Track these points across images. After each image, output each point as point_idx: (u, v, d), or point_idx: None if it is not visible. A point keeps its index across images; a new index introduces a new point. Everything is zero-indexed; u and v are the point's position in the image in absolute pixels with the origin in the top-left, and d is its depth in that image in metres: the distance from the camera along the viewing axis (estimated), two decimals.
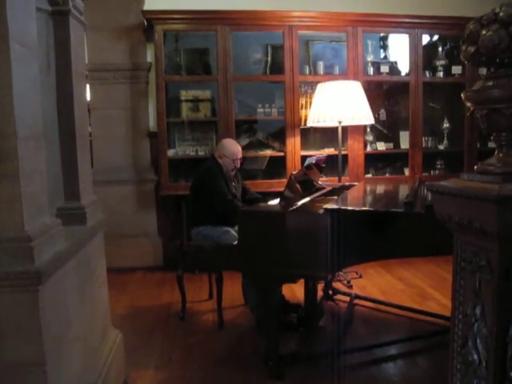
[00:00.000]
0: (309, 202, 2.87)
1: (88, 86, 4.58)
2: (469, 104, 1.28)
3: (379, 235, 2.34)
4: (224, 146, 3.39)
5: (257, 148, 4.53)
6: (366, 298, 3.52)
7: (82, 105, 2.10)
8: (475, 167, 1.32)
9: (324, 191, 3.26)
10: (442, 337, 2.86)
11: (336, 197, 2.99)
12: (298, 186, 3.09)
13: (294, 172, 2.87)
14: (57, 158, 1.93)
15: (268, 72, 4.50)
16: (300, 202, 2.68)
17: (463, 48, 1.25)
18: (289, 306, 3.22)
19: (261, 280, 2.37)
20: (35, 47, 1.54)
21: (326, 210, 2.23)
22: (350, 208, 2.28)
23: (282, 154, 4.45)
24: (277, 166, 4.53)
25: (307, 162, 3.00)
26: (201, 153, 4.40)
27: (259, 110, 4.43)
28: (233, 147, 3.37)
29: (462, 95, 1.31)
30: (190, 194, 3.37)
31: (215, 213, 3.15)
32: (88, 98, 4.62)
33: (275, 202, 2.89)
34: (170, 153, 4.41)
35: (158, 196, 4.55)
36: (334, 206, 2.26)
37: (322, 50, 4.66)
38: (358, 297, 3.55)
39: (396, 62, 4.67)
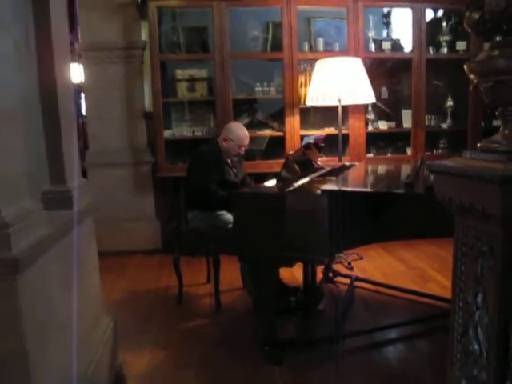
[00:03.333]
0: (307, 182, 2.78)
1: (82, 66, 4.49)
2: (472, 76, 1.18)
3: (379, 217, 2.26)
4: (232, 129, 3.26)
5: (255, 128, 4.41)
6: (366, 281, 3.46)
7: (66, 83, 2.00)
8: (478, 145, 1.23)
9: (323, 171, 3.17)
10: (443, 320, 2.80)
11: (335, 178, 2.90)
12: (296, 166, 3.00)
13: (291, 152, 2.79)
14: (40, 139, 1.84)
15: (268, 49, 4.36)
16: (297, 183, 2.59)
17: (467, 14, 1.15)
18: (287, 289, 3.16)
19: (257, 263, 2.30)
20: (8, 22, 1.44)
21: (323, 191, 2.15)
22: (347, 189, 2.19)
23: (281, 133, 4.35)
24: (276, 147, 4.43)
25: (305, 141, 2.91)
26: (198, 133, 4.30)
27: (257, 89, 4.31)
28: (241, 132, 3.25)
29: (465, 67, 1.21)
30: (186, 176, 3.29)
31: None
32: (82, 78, 4.54)
33: (272, 183, 2.80)
34: (167, 134, 4.31)
35: (155, 178, 4.47)
36: (332, 187, 2.17)
37: (323, 27, 4.50)
38: (358, 279, 3.49)
39: (398, 39, 4.52)
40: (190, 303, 3.35)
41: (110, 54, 4.36)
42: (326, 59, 3.70)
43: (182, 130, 4.33)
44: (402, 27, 4.51)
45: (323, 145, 3.22)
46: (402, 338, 2.73)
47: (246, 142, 3.26)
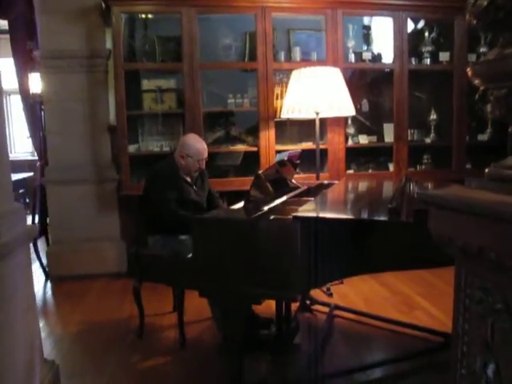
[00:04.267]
0: (280, 204, 2.50)
1: (40, 75, 4.16)
2: (478, 81, 0.90)
3: (361, 246, 1.98)
4: (187, 144, 2.95)
5: (228, 143, 4.14)
6: (346, 309, 3.17)
7: None
8: (486, 170, 0.95)
9: (299, 191, 2.89)
10: (431, 356, 2.53)
11: (312, 198, 2.63)
12: (268, 185, 2.72)
13: (261, 171, 2.50)
14: None
15: (242, 59, 4.10)
16: (269, 206, 2.30)
17: (471, 1, 0.88)
18: (259, 320, 2.84)
19: (218, 300, 1.99)
20: None
21: (295, 217, 1.86)
22: (323, 215, 1.90)
23: (255, 149, 4.07)
24: (250, 162, 4.14)
25: (278, 158, 2.63)
26: (166, 148, 4.00)
27: (230, 101, 4.04)
28: (197, 145, 2.95)
29: (468, 70, 0.93)
30: (142, 197, 2.97)
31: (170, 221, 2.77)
32: (41, 88, 4.20)
33: (239, 205, 2.50)
34: (132, 149, 3.99)
35: (120, 196, 4.14)
36: (306, 213, 1.89)
37: (302, 38, 4.26)
38: (337, 307, 3.20)
39: (379, 49, 4.30)
40: (152, 336, 3.00)
41: (71, 62, 4.04)
42: (303, 69, 3.44)
43: (148, 145, 4.03)
44: (383, 37, 4.30)
45: (298, 162, 2.95)
46: (387, 378, 2.44)
47: (205, 154, 2.98)
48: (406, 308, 3.27)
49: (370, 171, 4.32)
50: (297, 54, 4.06)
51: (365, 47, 4.25)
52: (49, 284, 4.23)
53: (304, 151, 3.99)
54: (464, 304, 0.99)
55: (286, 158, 2.71)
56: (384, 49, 4.26)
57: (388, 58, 4.22)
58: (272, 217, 2.20)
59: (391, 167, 4.27)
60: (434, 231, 0.98)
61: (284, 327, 2.77)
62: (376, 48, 4.30)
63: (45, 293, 4.07)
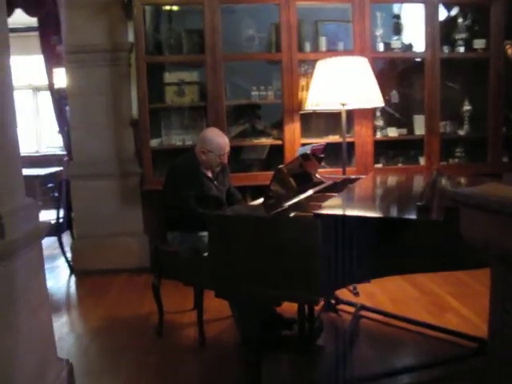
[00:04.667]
0: (304, 200, 2.39)
1: (65, 70, 4.16)
2: None
3: (389, 245, 1.84)
4: (207, 138, 2.85)
5: (252, 136, 4.03)
6: (373, 310, 3.03)
7: None
8: None
9: (323, 186, 2.77)
10: (463, 363, 2.38)
11: (337, 194, 2.50)
12: (291, 180, 2.61)
13: (283, 165, 2.39)
14: None
15: (266, 50, 3.98)
16: (290, 202, 2.19)
17: None
18: (281, 320, 2.75)
19: (236, 302, 1.90)
20: None
21: (316, 215, 1.74)
22: (345, 213, 1.78)
23: (280, 142, 3.95)
24: (275, 156, 4.03)
25: (300, 152, 2.51)
26: (188, 142, 3.92)
27: (254, 93, 3.93)
28: (218, 140, 2.84)
29: (507, 49, 0.79)
30: (161, 193, 2.91)
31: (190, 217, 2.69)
32: (66, 83, 4.20)
33: (260, 201, 2.40)
34: (154, 143, 3.94)
35: (143, 191, 4.10)
36: (326, 211, 1.77)
37: (327, 28, 4.10)
38: (364, 307, 3.06)
39: (409, 37, 4.10)
40: (171, 335, 2.95)
41: (94, 56, 4.01)
42: (328, 59, 3.30)
43: (171, 139, 3.97)
44: (414, 25, 4.10)
45: (323, 155, 2.82)
46: None
47: (227, 148, 2.87)
48: (437, 309, 3.10)
49: (399, 165, 4.15)
50: (323, 44, 3.92)
51: (394, 36, 4.05)
52: (73, 278, 4.25)
53: (330, 144, 3.87)
54: (501, 318, 0.86)
55: (309, 152, 2.59)
56: (415, 37, 4.06)
57: (419, 46, 4.02)
58: (292, 214, 2.10)
59: (422, 161, 4.08)
60: (466, 235, 0.85)
61: (307, 327, 2.66)
62: (406, 36, 4.10)
63: (68, 287, 4.09)
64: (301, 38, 3.86)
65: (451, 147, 4.13)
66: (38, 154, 8.72)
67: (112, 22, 4.03)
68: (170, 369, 2.54)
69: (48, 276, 4.33)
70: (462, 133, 4.10)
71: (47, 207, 4.90)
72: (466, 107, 4.06)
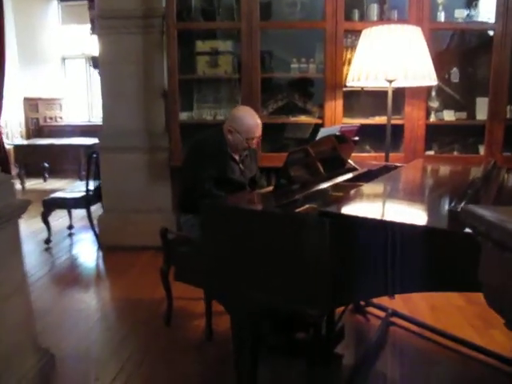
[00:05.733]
0: (328, 189, 2.06)
1: (97, 36, 3.98)
2: None
3: (414, 255, 1.48)
4: (237, 118, 2.53)
5: (290, 113, 3.69)
6: (406, 318, 2.66)
7: None
8: None
9: (356, 173, 2.41)
10: None
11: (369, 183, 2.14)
12: (318, 164, 2.28)
13: (310, 144, 2.04)
14: None
15: (306, 18, 3.59)
16: (305, 192, 1.86)
17: None
18: (297, 321, 2.44)
19: (226, 306, 1.62)
20: None
21: (322, 212, 1.41)
22: (355, 214, 1.42)
23: (320, 121, 3.59)
24: (315, 136, 3.67)
25: (323, 132, 2.15)
26: (220, 117, 3.65)
27: (293, 66, 3.57)
28: (249, 121, 2.51)
29: None
30: (181, 170, 2.66)
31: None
32: (98, 50, 4.02)
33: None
34: (184, 116, 3.71)
35: (172, 167, 3.89)
36: (334, 210, 1.43)
37: None
38: (396, 314, 2.70)
39: (477, 6, 3.55)
40: (179, 325, 2.74)
41: (126, 22, 3.80)
42: (375, 27, 2.87)
43: (202, 113, 3.70)
44: None
45: (357, 138, 2.44)
46: None
47: (258, 133, 2.53)
48: (482, 323, 2.68)
49: (454, 153, 3.66)
50: (373, 12, 3.46)
51: (459, 3, 3.51)
52: (100, 253, 4.16)
53: (376, 127, 3.47)
54: None
55: (338, 133, 2.23)
56: (483, 6, 3.50)
57: (488, 16, 3.47)
58: (305, 206, 1.77)
59: (482, 150, 3.57)
60: (489, 285, 0.51)
61: (325, 332, 2.34)
62: (473, 5, 3.55)
63: (92, 262, 4.00)
64: (348, 4, 3.42)
65: None
66: (89, 124, 8.82)
67: None
68: (170, 364, 2.33)
69: (77, 249, 4.34)
70: None
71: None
72: None
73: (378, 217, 1.40)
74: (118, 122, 3.94)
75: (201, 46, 3.56)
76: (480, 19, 3.46)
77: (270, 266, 1.48)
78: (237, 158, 2.62)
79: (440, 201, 1.66)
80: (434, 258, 1.31)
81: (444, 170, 2.62)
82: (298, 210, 1.67)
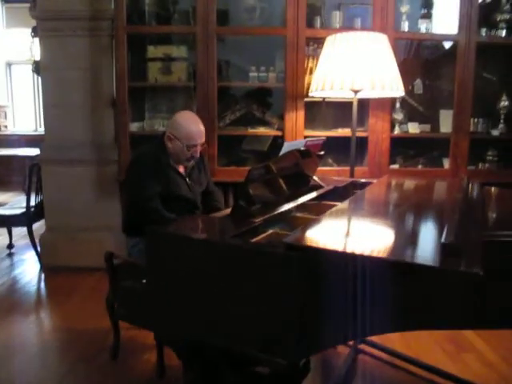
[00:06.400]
0: (292, 209, 1.85)
1: (38, 39, 3.64)
2: None
3: (398, 292, 1.28)
4: (177, 124, 2.27)
5: (247, 124, 3.48)
6: (374, 345, 2.47)
7: None
8: None
9: (322, 191, 2.22)
10: None
11: (337, 203, 1.95)
12: (281, 181, 2.08)
13: (272, 160, 1.83)
14: None
15: (265, 24, 3.41)
16: (267, 216, 1.64)
17: None
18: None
19: (178, 354, 1.37)
20: None
21: (288, 245, 1.19)
22: (330, 248, 1.21)
23: (279, 133, 3.40)
24: (277, 149, 3.48)
25: (287, 147, 1.95)
26: None
27: (252, 75, 3.37)
28: (190, 127, 2.25)
29: None
30: (122, 189, 2.39)
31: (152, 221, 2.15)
32: (39, 54, 3.69)
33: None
34: (135, 127, 3.43)
35: (122, 181, 3.59)
36: (306, 242, 1.21)
37: (343, 4, 3.50)
38: (363, 341, 2.51)
39: (440, 16, 3.48)
40: (127, 359, 2.44)
41: (71, 24, 3.50)
42: (339, 34, 2.71)
43: (154, 123, 3.44)
44: (446, 3, 3.48)
45: (323, 153, 2.25)
46: None
47: (201, 140, 2.27)
48: (455, 348, 2.53)
49: (419, 167, 3.56)
50: (336, 19, 3.32)
51: (422, 13, 3.42)
52: (42, 275, 3.78)
53: (340, 139, 3.32)
54: None
55: (302, 148, 2.03)
56: (447, 16, 3.43)
57: (451, 28, 3.40)
58: (268, 232, 1.55)
59: (446, 164, 3.48)
60: None
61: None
62: (436, 15, 3.47)
63: (34, 285, 3.62)
64: (310, 11, 3.27)
65: (482, 149, 3.51)
66: (36, 134, 8.32)
67: None
68: None
69: (17, 270, 3.94)
70: (496, 133, 3.47)
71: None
72: (504, 103, 3.45)
73: (355, 250, 1.19)
74: (62, 132, 3.62)
75: (153, 51, 3.30)
76: (434, 31, 3.38)
77: (227, 307, 1.25)
78: (181, 171, 2.36)
79: (422, 228, 1.47)
80: (420, 295, 1.11)
81: (417, 187, 2.46)
82: (259, 238, 1.45)
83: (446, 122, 3.46)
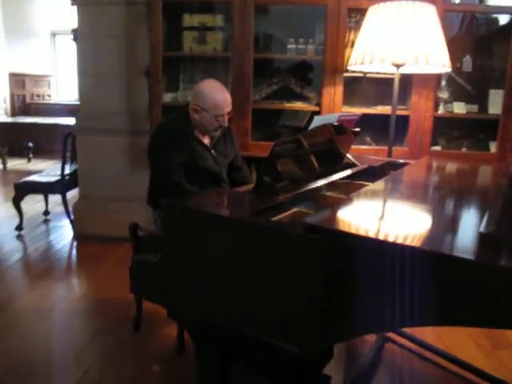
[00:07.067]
0: (322, 187, 1.75)
1: (76, 8, 3.61)
2: None
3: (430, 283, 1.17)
4: (202, 94, 2.17)
5: (283, 99, 3.34)
6: (404, 335, 2.36)
7: None
8: None
9: (355, 170, 2.09)
10: None
11: (369, 183, 1.83)
12: (312, 158, 1.97)
13: (302, 134, 1.72)
14: None
15: None
16: (292, 193, 1.55)
17: None
18: None
19: (189, 331, 1.31)
20: None
21: (308, 226, 1.09)
22: (354, 232, 1.10)
23: (316, 108, 3.26)
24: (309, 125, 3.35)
25: (318, 121, 1.83)
26: None
27: (290, 47, 3.22)
28: (217, 96, 2.16)
29: None
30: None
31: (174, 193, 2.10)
32: (76, 23, 3.66)
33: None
34: (168, 97, 3.36)
35: None
36: (326, 223, 1.11)
37: None
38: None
39: None
40: (149, 331, 2.44)
41: None
42: (383, 3, 2.53)
43: (187, 94, 3.35)
44: None
45: (358, 129, 2.12)
46: None
47: (228, 108, 2.18)
48: (490, 343, 2.39)
49: (463, 150, 3.34)
50: None
51: None
52: (74, 243, 3.85)
53: (380, 117, 3.15)
54: None
55: (336, 123, 1.91)
56: None
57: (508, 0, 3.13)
58: (294, 210, 1.46)
59: (493, 148, 3.25)
60: None
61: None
62: None
63: (65, 252, 3.68)
64: None
65: None
66: (77, 103, 8.45)
67: None
68: (132, 379, 2.04)
69: (51, 237, 4.03)
70: None
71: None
72: None
73: (388, 237, 1.08)
74: (97, 101, 3.61)
75: (188, 20, 3.20)
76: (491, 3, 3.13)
77: (242, 288, 1.17)
78: (206, 142, 2.28)
79: (463, 215, 1.34)
80: (457, 288, 1.00)
81: (459, 171, 2.29)
82: (281, 216, 1.36)
83: (496, 102, 3.21)
